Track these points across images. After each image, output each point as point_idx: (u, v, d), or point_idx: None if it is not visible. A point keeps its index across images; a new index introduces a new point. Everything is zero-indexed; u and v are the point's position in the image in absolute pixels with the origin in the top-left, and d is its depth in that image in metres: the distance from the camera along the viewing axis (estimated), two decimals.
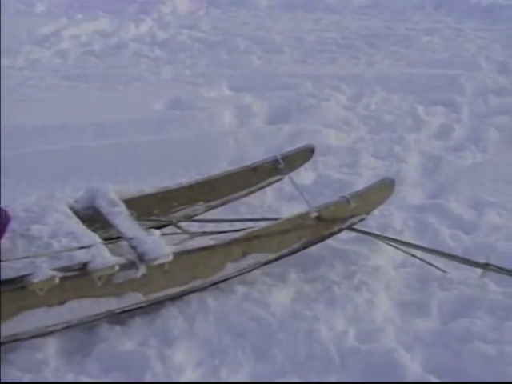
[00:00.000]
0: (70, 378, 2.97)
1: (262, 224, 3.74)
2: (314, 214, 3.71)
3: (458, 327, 3.31)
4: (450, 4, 11.19)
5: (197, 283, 3.46)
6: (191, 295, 3.46)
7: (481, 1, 11.19)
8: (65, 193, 4.64)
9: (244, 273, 3.59)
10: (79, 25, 9.94)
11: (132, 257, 3.25)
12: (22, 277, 3.02)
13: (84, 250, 3.20)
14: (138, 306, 3.32)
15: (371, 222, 4.19)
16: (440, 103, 6.59)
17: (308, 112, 6.25)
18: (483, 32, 9.58)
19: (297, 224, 3.68)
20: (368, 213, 3.99)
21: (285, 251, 3.68)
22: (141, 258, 3.23)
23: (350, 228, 3.93)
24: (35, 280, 2.99)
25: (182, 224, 4.04)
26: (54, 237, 3.30)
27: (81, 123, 5.77)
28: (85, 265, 3.13)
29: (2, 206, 3.37)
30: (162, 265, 3.28)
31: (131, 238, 3.35)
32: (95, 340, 3.20)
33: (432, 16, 10.75)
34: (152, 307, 3.37)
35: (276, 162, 4.42)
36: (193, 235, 3.84)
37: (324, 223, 3.76)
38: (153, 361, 3.04)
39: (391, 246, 3.94)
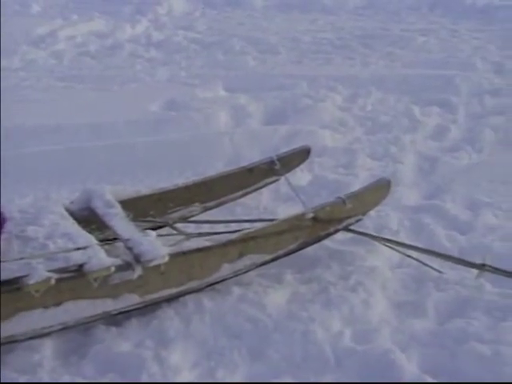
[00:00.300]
0: (66, 380, 2.97)
1: (258, 225, 3.74)
2: (310, 215, 3.71)
3: (454, 327, 3.31)
4: (446, 5, 11.20)
5: (193, 284, 3.46)
6: (187, 296, 3.46)
7: (476, 2, 11.20)
8: (60, 194, 4.64)
9: (240, 274, 3.59)
10: (75, 25, 9.92)
11: (128, 258, 3.25)
12: (18, 278, 3.01)
13: (80, 252, 3.19)
14: (134, 307, 3.32)
15: (367, 223, 4.19)
16: (436, 104, 6.60)
17: (304, 113, 6.25)
18: (478, 33, 9.58)
19: (293, 225, 3.68)
20: (364, 213, 3.99)
21: (281, 252, 3.69)
22: (137, 259, 3.23)
23: (346, 229, 3.94)
24: (31, 281, 2.99)
25: (178, 225, 4.04)
26: (50, 238, 3.30)
27: (76, 124, 5.77)
28: (81, 266, 3.13)
29: None
30: (158, 266, 3.28)
31: (127, 240, 3.35)
32: (91, 341, 3.20)
33: (427, 17, 10.76)
34: (148, 308, 3.37)
35: (272, 162, 4.42)
36: (189, 236, 3.84)
37: (320, 224, 3.76)
38: (149, 362, 3.04)
39: (387, 246, 3.95)
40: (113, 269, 3.16)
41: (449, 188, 4.84)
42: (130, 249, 3.30)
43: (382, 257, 3.94)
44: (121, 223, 3.53)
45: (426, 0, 11.46)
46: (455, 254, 3.96)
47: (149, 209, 4.01)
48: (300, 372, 3.06)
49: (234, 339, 3.23)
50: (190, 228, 4.09)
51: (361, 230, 4.03)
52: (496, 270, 3.68)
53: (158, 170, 5.02)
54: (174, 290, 3.41)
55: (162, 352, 3.11)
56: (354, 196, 3.92)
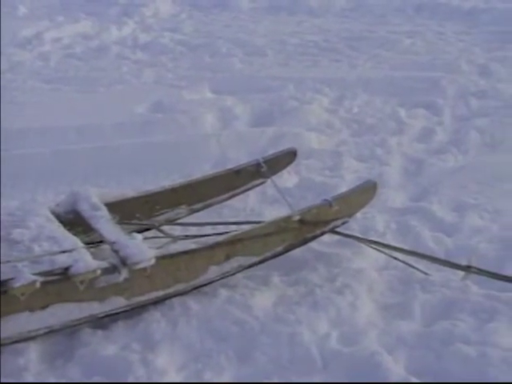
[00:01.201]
0: None
1: (245, 227, 3.74)
2: (297, 218, 3.71)
3: (440, 329, 3.32)
4: (432, 7, 11.21)
5: (179, 287, 3.45)
6: (174, 299, 3.46)
7: (462, 4, 11.22)
8: (47, 196, 4.62)
9: (227, 276, 3.59)
10: (61, 27, 9.88)
11: (114, 261, 3.24)
12: (3, 281, 3.00)
13: (66, 254, 3.18)
14: (121, 310, 3.32)
15: (354, 225, 4.20)
16: (422, 106, 6.60)
17: (290, 115, 6.25)
18: (464, 35, 9.60)
19: (280, 227, 3.68)
20: (350, 216, 4.00)
21: (268, 254, 3.69)
22: (123, 262, 3.22)
23: (333, 231, 3.94)
24: (16, 285, 2.98)
25: (165, 228, 4.03)
26: (36, 241, 3.29)
27: (63, 126, 5.75)
28: (66, 269, 3.12)
29: None
30: (145, 269, 3.27)
31: (113, 242, 3.34)
32: (77, 345, 3.19)
33: (413, 19, 10.77)
34: (134, 311, 3.36)
35: (259, 165, 4.41)
36: (175, 239, 3.84)
37: (307, 226, 3.77)
38: (135, 365, 3.04)
39: (374, 248, 3.95)
40: (99, 272, 3.16)
41: (435, 190, 4.85)
42: (116, 252, 3.29)
43: (369, 259, 3.95)
44: (107, 226, 3.52)
45: (413, 2, 11.46)
46: (441, 255, 3.97)
47: (135, 211, 4.00)
48: (287, 374, 3.07)
49: (220, 342, 3.23)
50: (177, 230, 4.08)
51: (347, 232, 4.03)
52: (482, 272, 3.70)
53: (144, 173, 5.01)
54: (160, 293, 3.40)
55: (149, 355, 3.10)
56: (341, 198, 3.92)
